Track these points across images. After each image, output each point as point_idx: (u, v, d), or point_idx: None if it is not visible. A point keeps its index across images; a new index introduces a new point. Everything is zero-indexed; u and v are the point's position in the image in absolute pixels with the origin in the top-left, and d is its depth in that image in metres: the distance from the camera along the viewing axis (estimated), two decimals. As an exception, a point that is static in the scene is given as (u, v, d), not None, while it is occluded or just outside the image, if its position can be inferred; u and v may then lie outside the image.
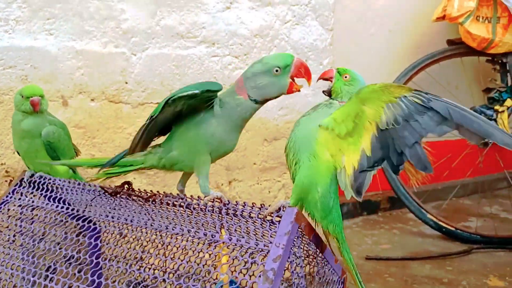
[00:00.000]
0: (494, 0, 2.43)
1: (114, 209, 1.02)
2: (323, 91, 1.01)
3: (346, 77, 0.97)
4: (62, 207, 1.11)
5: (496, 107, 2.43)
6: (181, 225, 0.91)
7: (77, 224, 1.14)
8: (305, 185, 0.91)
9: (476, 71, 2.84)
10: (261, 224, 0.90)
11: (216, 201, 0.94)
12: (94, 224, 1.16)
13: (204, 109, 0.98)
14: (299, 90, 0.96)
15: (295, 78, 0.96)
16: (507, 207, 2.81)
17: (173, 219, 0.95)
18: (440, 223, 2.33)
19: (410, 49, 2.85)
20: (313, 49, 1.84)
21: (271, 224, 0.89)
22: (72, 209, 1.09)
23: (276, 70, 0.94)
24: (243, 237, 0.84)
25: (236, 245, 0.84)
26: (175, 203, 0.97)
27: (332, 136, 0.91)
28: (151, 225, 0.94)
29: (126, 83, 1.47)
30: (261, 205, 0.92)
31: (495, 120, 2.41)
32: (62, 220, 1.11)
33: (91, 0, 1.40)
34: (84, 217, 1.07)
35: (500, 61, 2.50)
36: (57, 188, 1.18)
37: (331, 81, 1.00)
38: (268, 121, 1.78)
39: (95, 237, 1.18)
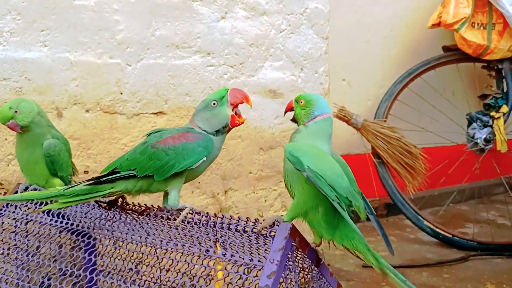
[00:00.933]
0: (489, 7, 2.44)
1: (109, 221, 1.01)
2: (291, 120, 1.08)
3: (301, 102, 1.04)
4: (56, 221, 1.11)
5: (492, 113, 2.43)
6: (176, 239, 0.91)
7: (71, 237, 1.13)
8: (302, 209, 0.94)
9: (472, 78, 2.85)
10: (255, 238, 0.89)
11: (189, 213, 0.95)
12: (89, 237, 1.16)
13: None
14: (241, 123, 1.04)
15: (237, 111, 1.05)
16: (504, 213, 2.81)
17: (167, 232, 0.94)
18: (437, 230, 2.32)
19: (406, 55, 2.85)
20: (308, 57, 1.84)
21: (265, 238, 0.89)
22: (67, 223, 1.09)
23: (213, 104, 1.04)
24: (237, 252, 0.84)
25: (230, 260, 0.83)
26: (169, 217, 0.97)
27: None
28: (146, 239, 0.93)
29: (121, 93, 1.47)
30: (255, 219, 0.92)
31: (491, 126, 2.42)
32: (56, 234, 1.11)
33: (85, 11, 1.40)
34: (79, 231, 1.06)
35: (495, 67, 2.51)
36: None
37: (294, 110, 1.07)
38: (264, 130, 1.78)
39: (89, 251, 1.18)
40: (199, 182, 1.65)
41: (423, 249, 2.31)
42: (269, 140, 1.79)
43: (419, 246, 2.35)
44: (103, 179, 0.98)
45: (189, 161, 0.98)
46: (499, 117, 2.42)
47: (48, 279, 1.08)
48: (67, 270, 0.98)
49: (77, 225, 1.06)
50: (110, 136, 1.45)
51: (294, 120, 1.07)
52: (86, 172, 1.42)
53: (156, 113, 1.53)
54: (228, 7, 1.65)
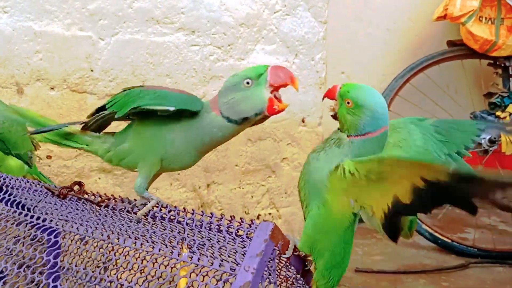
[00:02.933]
0: (498, 1, 2.31)
1: (56, 211, 0.85)
2: (331, 116, 0.82)
3: (348, 103, 0.77)
4: (15, 211, 0.94)
5: (498, 113, 2.31)
6: (134, 237, 0.75)
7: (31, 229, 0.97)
8: (312, 235, 0.79)
9: (477, 75, 2.72)
10: (231, 240, 0.74)
11: (154, 208, 0.79)
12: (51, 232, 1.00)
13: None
14: (282, 109, 0.80)
15: (276, 95, 0.80)
16: (506, 218, 2.68)
17: (126, 228, 0.79)
18: (436, 234, 2.20)
19: (409, 49, 2.74)
20: (304, 42, 1.69)
21: (243, 240, 0.74)
22: (25, 214, 0.93)
23: (247, 82, 0.79)
24: (206, 256, 0.68)
25: (197, 266, 0.68)
26: (130, 210, 0.81)
27: (350, 181, 0.75)
28: (101, 236, 0.78)
29: (92, 70, 1.31)
30: (231, 216, 0.76)
31: (496, 126, 2.29)
32: (14, 224, 0.95)
33: (53, -25, 1.24)
34: (32, 223, 0.90)
35: (502, 65, 2.39)
36: (7, 187, 1.02)
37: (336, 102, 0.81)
38: (253, 119, 1.62)
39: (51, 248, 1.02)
40: (178, 174, 1.50)
41: (421, 254, 2.19)
42: (258, 130, 1.64)
43: (416, 251, 2.22)
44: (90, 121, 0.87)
45: (153, 101, 0.78)
46: (505, 117, 2.30)
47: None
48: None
49: (31, 216, 0.90)
50: (78, 118, 1.29)
51: (335, 117, 0.81)
52: (49, 157, 1.27)
53: (132, 95, 1.37)
54: (217, -19, 1.49)
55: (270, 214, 1.71)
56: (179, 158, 0.85)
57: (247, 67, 1.58)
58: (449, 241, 2.19)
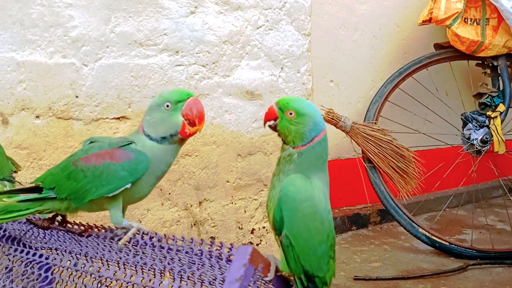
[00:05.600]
0: (483, 1, 2.33)
1: (42, 241, 0.86)
2: (269, 126, 0.86)
3: (290, 114, 0.81)
4: (10, 247, 0.94)
5: (489, 112, 2.31)
6: (116, 267, 0.76)
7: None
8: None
9: (466, 76, 2.73)
10: (212, 265, 0.74)
11: (136, 235, 0.79)
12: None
13: None
14: (191, 134, 0.87)
15: (190, 119, 0.87)
16: (503, 217, 2.68)
17: (108, 257, 0.79)
18: (433, 237, 2.19)
19: (396, 54, 2.74)
20: (289, 55, 1.70)
21: (224, 264, 0.74)
22: (17, 250, 0.93)
23: (167, 105, 0.87)
24: (186, 284, 0.69)
25: (177, 293, 0.68)
26: (112, 239, 0.82)
27: None
28: (82, 267, 0.78)
29: (77, 97, 1.32)
30: (211, 240, 0.76)
31: (487, 126, 2.29)
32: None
33: (33, 5, 1.25)
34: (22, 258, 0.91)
35: (490, 65, 2.39)
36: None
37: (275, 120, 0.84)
38: (241, 134, 1.63)
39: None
40: (169, 194, 1.50)
41: (419, 258, 2.18)
42: (248, 145, 1.64)
43: (415, 255, 2.21)
44: (22, 199, 0.82)
45: (106, 188, 0.81)
46: (495, 117, 2.30)
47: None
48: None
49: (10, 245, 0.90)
50: (65, 144, 1.30)
51: (275, 128, 0.84)
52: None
53: (118, 118, 1.38)
54: (197, 1, 1.50)
55: (264, 227, 1.71)
56: (136, 191, 0.87)
57: (232, 83, 1.60)
58: (447, 243, 2.17)
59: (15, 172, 1.14)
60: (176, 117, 0.86)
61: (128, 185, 0.82)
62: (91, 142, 0.88)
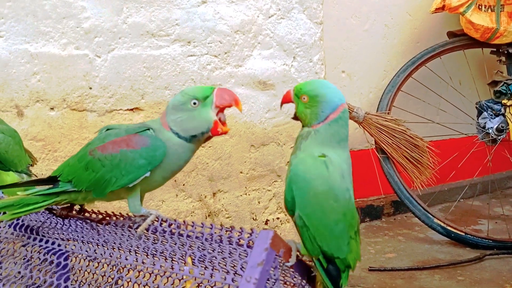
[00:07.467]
0: (497, -13, 2.28)
1: (60, 230, 0.86)
2: (292, 118, 0.89)
3: (304, 98, 0.85)
4: (23, 235, 0.95)
5: (504, 100, 2.28)
6: (136, 253, 0.75)
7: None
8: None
9: (481, 64, 2.69)
10: (233, 250, 0.74)
11: (155, 222, 0.79)
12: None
13: None
14: (225, 132, 0.85)
15: (222, 118, 0.86)
16: (520, 208, 2.64)
17: (127, 245, 0.79)
18: (448, 228, 2.17)
19: (409, 43, 2.71)
20: (301, 45, 1.68)
21: (245, 249, 0.73)
22: (34, 238, 0.93)
23: (194, 103, 0.84)
24: (207, 268, 0.68)
25: (198, 279, 0.67)
26: (131, 226, 0.81)
27: None
28: (102, 254, 0.78)
29: (91, 88, 1.32)
30: (230, 226, 0.76)
31: (503, 114, 2.26)
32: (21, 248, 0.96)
33: (46, -3, 1.26)
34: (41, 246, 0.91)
35: (506, 52, 2.36)
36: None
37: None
38: (254, 125, 1.62)
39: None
40: (183, 185, 1.50)
41: (434, 249, 2.16)
42: (261, 136, 1.63)
43: (430, 246, 2.19)
44: (39, 192, 0.82)
45: (126, 179, 0.79)
46: (511, 105, 2.26)
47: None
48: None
49: (28, 237, 0.91)
50: (80, 136, 1.30)
51: (296, 117, 0.88)
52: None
53: (131, 109, 1.38)
54: (209, -9, 1.49)
55: (278, 218, 1.70)
56: (152, 181, 0.85)
57: (244, 74, 1.59)
58: (463, 234, 2.15)
59: (31, 165, 1.15)
60: (207, 113, 0.83)
61: (148, 174, 0.81)
62: (108, 130, 0.87)
